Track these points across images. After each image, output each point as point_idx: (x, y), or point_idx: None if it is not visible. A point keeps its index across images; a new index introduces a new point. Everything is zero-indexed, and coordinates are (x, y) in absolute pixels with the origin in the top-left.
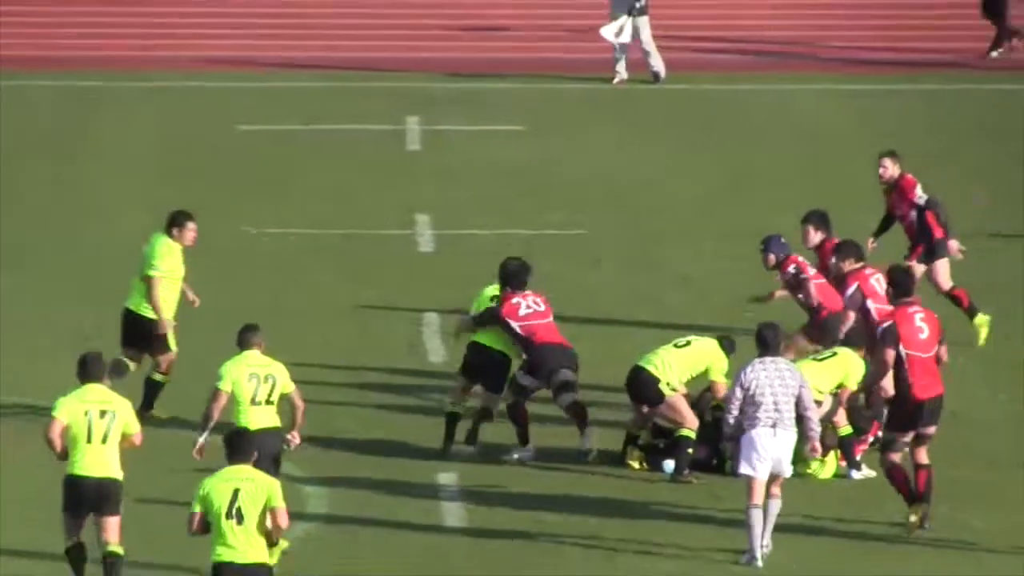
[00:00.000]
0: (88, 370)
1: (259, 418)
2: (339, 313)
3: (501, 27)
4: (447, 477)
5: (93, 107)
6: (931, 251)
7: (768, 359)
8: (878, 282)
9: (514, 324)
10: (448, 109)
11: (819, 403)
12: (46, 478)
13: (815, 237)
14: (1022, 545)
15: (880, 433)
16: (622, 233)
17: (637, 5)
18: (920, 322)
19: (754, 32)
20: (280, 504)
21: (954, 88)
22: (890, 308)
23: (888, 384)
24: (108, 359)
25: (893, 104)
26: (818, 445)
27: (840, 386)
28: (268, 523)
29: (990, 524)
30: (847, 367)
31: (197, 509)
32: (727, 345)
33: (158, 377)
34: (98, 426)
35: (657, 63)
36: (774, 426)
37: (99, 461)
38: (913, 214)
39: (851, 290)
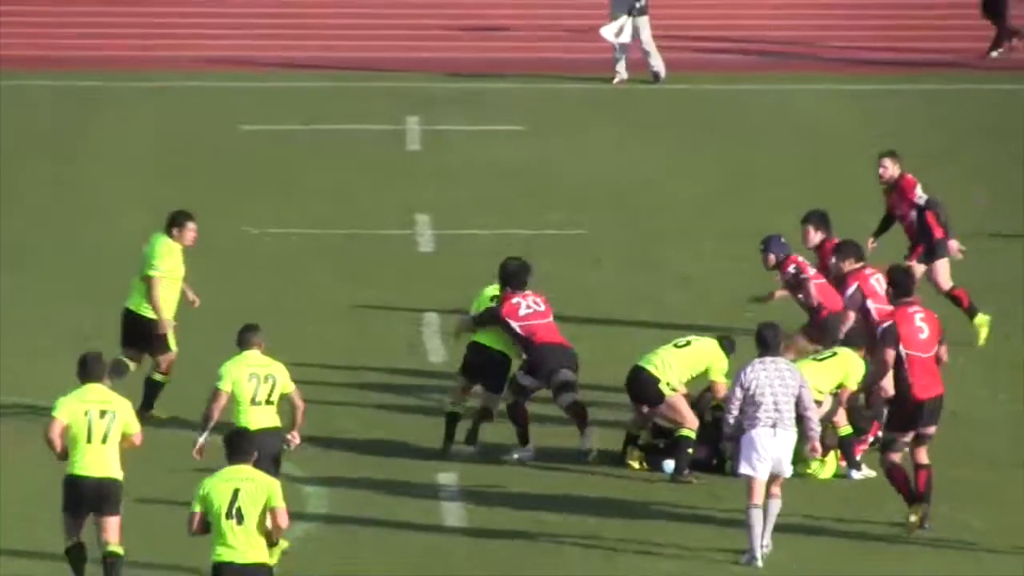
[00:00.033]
0: (88, 370)
1: (259, 418)
2: (339, 313)
3: (501, 27)
4: (447, 477)
5: (93, 107)
6: (931, 251)
7: (768, 359)
8: (878, 282)
9: (514, 324)
10: (448, 109)
11: (819, 403)
12: (46, 478)
13: (815, 237)
14: (1022, 545)
15: (880, 433)
16: (622, 233)
17: (637, 5)
18: (920, 322)
19: (754, 32)
20: (280, 504)
21: (954, 88)
22: (890, 308)
23: (888, 384)
24: (108, 359)
25: (893, 104)
26: (818, 445)
27: (840, 386)
28: (268, 523)
29: (990, 524)
30: (847, 367)
31: (197, 509)
32: (727, 345)
33: (158, 377)
34: (98, 426)
35: (657, 63)
36: (774, 426)
37: (99, 461)
38: (913, 214)
39: (851, 290)
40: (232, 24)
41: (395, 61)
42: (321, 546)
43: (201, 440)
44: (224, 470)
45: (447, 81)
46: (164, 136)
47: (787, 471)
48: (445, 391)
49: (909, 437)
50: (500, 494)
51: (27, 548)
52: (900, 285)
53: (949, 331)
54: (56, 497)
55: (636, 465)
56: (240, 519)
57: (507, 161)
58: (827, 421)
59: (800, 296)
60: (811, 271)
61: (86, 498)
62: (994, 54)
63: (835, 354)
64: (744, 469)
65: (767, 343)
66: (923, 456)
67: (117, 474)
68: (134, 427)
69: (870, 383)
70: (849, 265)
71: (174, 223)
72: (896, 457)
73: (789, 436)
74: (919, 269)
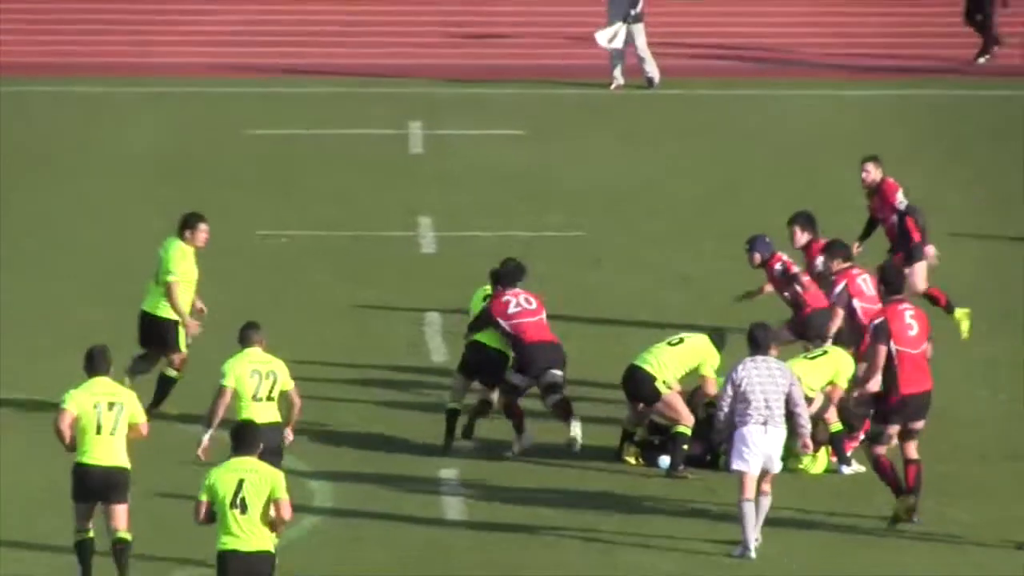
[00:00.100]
0: (95, 363)
1: (260, 414)
2: (343, 312)
3: (502, 34)
4: (449, 472)
5: (97, 111)
6: (908, 255)
7: (760, 358)
8: (864, 282)
9: (503, 323)
10: (450, 114)
11: (811, 400)
12: (46, 478)
13: (802, 238)
14: (1009, 538)
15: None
16: (621, 235)
17: (632, 12)
18: (910, 319)
19: (748, 39)
20: (283, 496)
21: (949, 93)
22: (876, 307)
23: (874, 383)
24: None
25: (887, 108)
26: (809, 441)
27: (831, 384)
28: (272, 514)
29: (977, 518)
30: (837, 365)
31: (203, 498)
32: (717, 339)
33: (172, 374)
34: (107, 418)
35: (651, 69)
36: (765, 423)
37: (108, 451)
38: (894, 218)
39: (839, 288)
40: (237, 31)
41: (399, 68)
42: (326, 539)
43: (205, 439)
44: (230, 461)
45: (449, 87)
46: (167, 140)
47: (776, 467)
48: (446, 389)
49: (895, 430)
50: (500, 489)
51: (28, 542)
52: (891, 283)
53: (949, 333)
54: (57, 495)
55: (633, 461)
56: (244, 509)
57: (508, 164)
58: (818, 418)
59: (786, 293)
60: (796, 269)
61: (95, 486)
62: (981, 60)
63: (826, 352)
64: (737, 465)
65: (758, 343)
66: (913, 451)
67: (124, 463)
68: (140, 417)
69: (865, 379)
70: (837, 265)
71: (186, 225)
72: (882, 449)
73: (779, 433)
74: None
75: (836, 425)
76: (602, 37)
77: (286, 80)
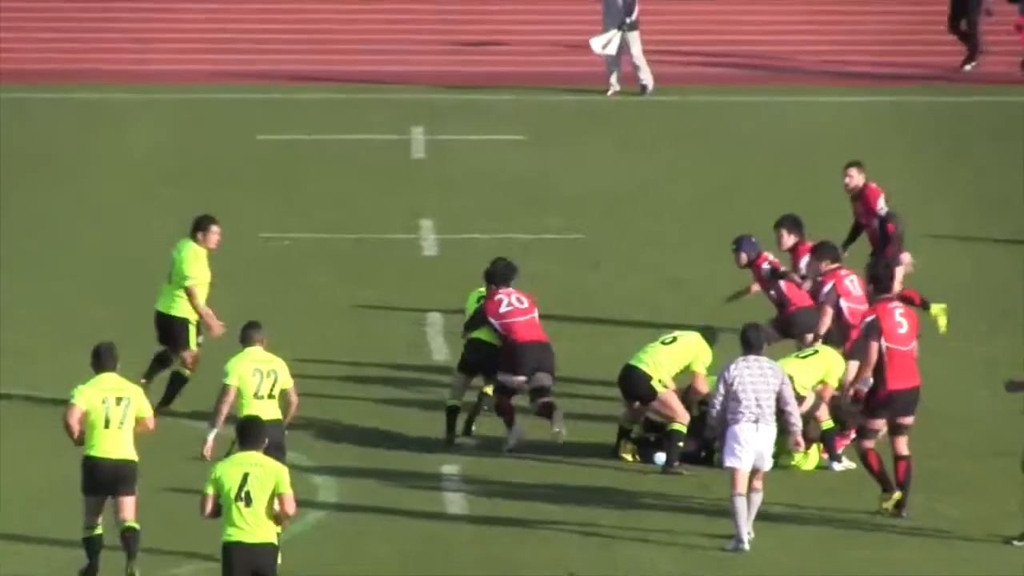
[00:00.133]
0: (102, 360)
1: (262, 411)
2: (345, 313)
3: (502, 42)
4: (450, 468)
5: (95, 116)
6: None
7: (751, 358)
8: (852, 283)
9: (494, 322)
10: (451, 120)
11: (803, 399)
12: (46, 477)
13: (788, 240)
14: (997, 533)
15: None
16: (618, 238)
17: (627, 20)
18: (900, 317)
19: (743, 46)
20: (287, 491)
21: (941, 100)
22: (862, 308)
23: (867, 379)
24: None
25: (881, 115)
26: (800, 439)
27: (822, 382)
28: (276, 507)
29: (966, 513)
30: (828, 364)
31: (210, 491)
32: (709, 336)
33: (185, 372)
34: (115, 412)
35: (646, 76)
36: (756, 421)
37: (116, 444)
38: (876, 223)
39: (827, 288)
40: (240, 39)
41: (401, 74)
42: (330, 533)
43: (210, 439)
44: (235, 455)
45: (450, 93)
46: (169, 144)
47: (767, 465)
48: (447, 387)
49: (880, 424)
50: (500, 484)
51: (28, 537)
52: (881, 282)
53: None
54: (56, 494)
55: (629, 458)
56: (248, 502)
57: (508, 169)
58: (810, 416)
59: (772, 292)
60: (783, 268)
61: (104, 479)
62: (967, 68)
63: (817, 352)
64: (730, 461)
65: (750, 343)
66: (903, 447)
67: (132, 456)
68: (147, 411)
69: (858, 376)
70: (826, 266)
71: (199, 227)
72: (870, 444)
73: (770, 431)
74: None
75: (827, 423)
76: (596, 43)
77: (289, 87)
